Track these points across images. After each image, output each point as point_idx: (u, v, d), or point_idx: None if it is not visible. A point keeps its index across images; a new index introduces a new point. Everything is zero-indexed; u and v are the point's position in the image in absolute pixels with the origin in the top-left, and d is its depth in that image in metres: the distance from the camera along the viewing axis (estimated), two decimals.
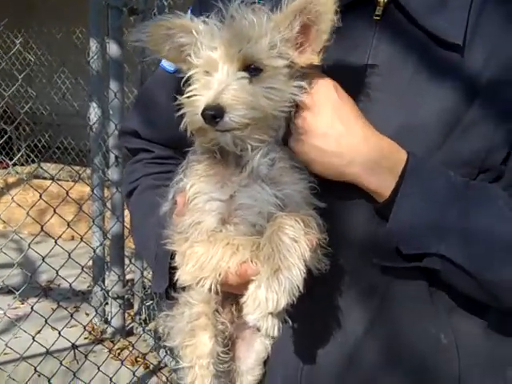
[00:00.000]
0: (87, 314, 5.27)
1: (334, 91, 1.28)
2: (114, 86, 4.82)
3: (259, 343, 1.45)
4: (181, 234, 1.33)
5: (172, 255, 1.45)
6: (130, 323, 5.23)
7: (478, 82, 1.31)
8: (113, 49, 4.79)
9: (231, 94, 1.19)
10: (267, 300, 1.19)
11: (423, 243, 1.26)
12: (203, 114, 1.18)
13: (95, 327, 5.18)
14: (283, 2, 1.23)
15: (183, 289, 1.45)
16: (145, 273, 5.09)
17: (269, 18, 1.24)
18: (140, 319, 5.07)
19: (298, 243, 1.21)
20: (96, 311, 5.15)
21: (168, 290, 1.48)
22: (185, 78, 1.30)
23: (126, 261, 5.07)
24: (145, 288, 5.07)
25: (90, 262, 5.22)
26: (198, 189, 1.31)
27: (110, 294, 4.98)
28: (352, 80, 1.33)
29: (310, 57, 1.25)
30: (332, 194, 1.32)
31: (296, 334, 1.43)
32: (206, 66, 1.25)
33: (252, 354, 1.46)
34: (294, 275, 1.19)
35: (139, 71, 4.87)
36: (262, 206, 1.26)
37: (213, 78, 1.22)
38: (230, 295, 1.40)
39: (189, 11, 1.58)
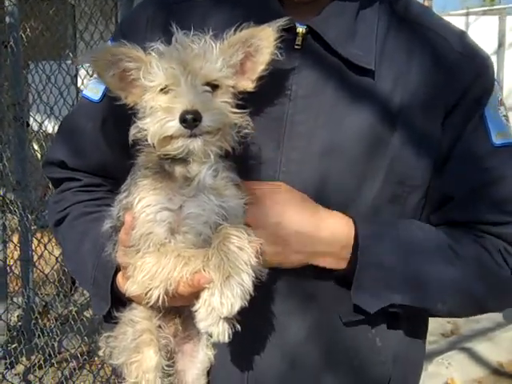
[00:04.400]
0: None
1: (281, 190, 1.42)
2: None
3: (202, 354, 1.50)
4: (131, 247, 1.38)
5: (113, 278, 1.50)
6: None
7: (389, 103, 1.48)
8: None
9: (203, 101, 1.29)
10: (222, 305, 1.27)
11: (382, 300, 1.45)
12: (183, 117, 1.26)
13: None
14: (224, 33, 1.36)
15: (124, 309, 1.50)
16: (7, 315, 4.86)
17: (215, 45, 1.35)
18: (6, 363, 4.81)
19: (243, 251, 1.31)
20: None
21: (111, 312, 1.51)
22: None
23: None
24: (10, 331, 4.83)
25: None
26: (147, 201, 1.36)
27: None
28: (278, 103, 1.47)
29: (246, 83, 1.39)
30: None
31: (237, 343, 1.48)
32: (167, 82, 1.32)
33: (196, 365, 1.50)
34: (245, 280, 1.28)
35: None
36: (209, 215, 1.35)
37: (180, 89, 1.30)
38: (172, 310, 1.47)
39: (109, 42, 1.65)
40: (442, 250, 1.49)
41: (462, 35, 1.57)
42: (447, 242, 1.50)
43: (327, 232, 1.42)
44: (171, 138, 1.30)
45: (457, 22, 9.97)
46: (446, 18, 1.68)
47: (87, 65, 1.39)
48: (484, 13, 12.64)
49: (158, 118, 1.31)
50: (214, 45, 1.35)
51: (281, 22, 1.34)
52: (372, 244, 1.44)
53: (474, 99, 1.51)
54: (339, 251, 1.44)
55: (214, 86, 1.34)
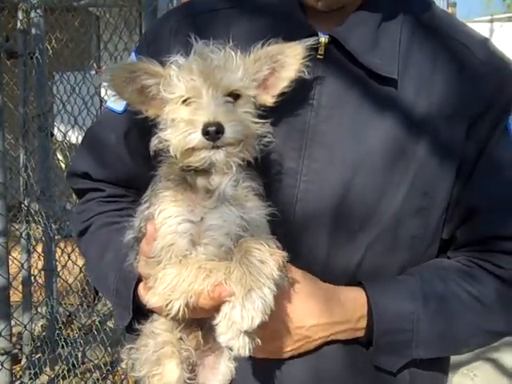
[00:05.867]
0: None
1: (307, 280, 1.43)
2: None
3: (224, 367, 1.48)
4: (153, 257, 1.37)
5: (135, 289, 1.49)
6: (15, 380, 4.94)
7: (413, 112, 1.46)
8: None
9: (225, 113, 1.28)
10: (242, 319, 1.25)
11: (405, 358, 1.47)
12: (206, 130, 1.26)
13: None
14: (252, 47, 1.36)
15: (146, 320, 1.49)
16: (31, 325, 4.87)
17: (238, 56, 1.35)
18: (30, 374, 4.83)
19: (265, 264, 1.29)
20: None
21: (132, 323, 1.51)
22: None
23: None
24: (34, 341, 4.84)
25: None
26: (169, 213, 1.36)
27: None
28: (300, 113, 1.46)
29: (266, 98, 1.39)
30: (291, 219, 1.45)
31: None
32: (188, 94, 1.32)
33: (218, 378, 1.48)
34: (266, 294, 1.27)
35: (21, 117, 4.75)
36: (230, 226, 1.34)
37: (202, 101, 1.30)
38: (193, 322, 1.45)
39: (133, 53, 1.65)
40: (462, 299, 1.48)
41: (484, 43, 1.55)
42: (466, 289, 1.49)
43: (341, 313, 1.43)
44: (193, 149, 1.30)
45: (481, 28, 9.91)
46: (471, 25, 1.66)
47: (105, 83, 1.38)
48: (509, 19, 12.53)
49: (180, 131, 1.30)
50: (234, 55, 1.34)
51: (310, 41, 1.35)
52: (387, 310, 1.44)
53: (499, 109, 1.49)
54: (355, 324, 1.45)
55: (235, 96, 1.33)
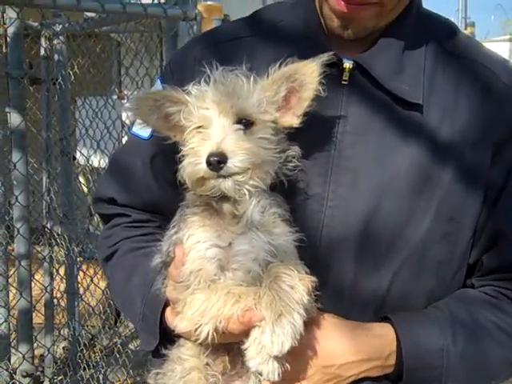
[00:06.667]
0: None
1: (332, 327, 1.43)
2: (16, 156, 4.71)
3: None
4: (181, 282, 1.39)
5: (161, 314, 1.50)
6: None
7: (438, 138, 1.46)
8: (14, 118, 4.70)
9: (231, 142, 1.29)
10: (273, 344, 1.27)
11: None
12: (208, 160, 1.28)
13: None
14: (269, 69, 1.37)
15: (171, 345, 1.50)
16: (54, 348, 4.89)
17: (255, 80, 1.36)
18: None
19: (295, 289, 1.31)
20: None
21: (158, 348, 1.52)
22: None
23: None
24: (56, 363, 4.86)
25: None
26: (197, 238, 1.38)
27: (18, 372, 4.72)
28: (325, 139, 1.47)
29: (291, 119, 1.39)
30: (317, 245, 1.46)
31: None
32: (200, 122, 1.34)
33: None
34: (296, 320, 1.28)
35: (44, 141, 4.81)
36: (258, 252, 1.35)
37: (210, 131, 1.32)
38: (221, 347, 1.46)
39: (158, 81, 1.68)
40: (490, 332, 1.48)
41: (505, 64, 1.56)
42: (493, 321, 1.49)
43: (371, 350, 1.43)
44: (203, 179, 1.32)
45: (501, 48, 9.89)
46: (490, 45, 1.67)
47: (130, 113, 1.41)
48: None
49: (189, 160, 1.33)
50: (245, 80, 1.36)
51: (325, 57, 1.35)
52: (416, 347, 1.43)
53: None
54: (385, 361, 1.44)
55: (248, 123, 1.34)
